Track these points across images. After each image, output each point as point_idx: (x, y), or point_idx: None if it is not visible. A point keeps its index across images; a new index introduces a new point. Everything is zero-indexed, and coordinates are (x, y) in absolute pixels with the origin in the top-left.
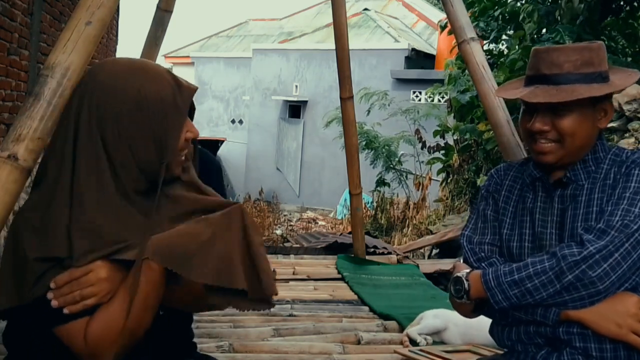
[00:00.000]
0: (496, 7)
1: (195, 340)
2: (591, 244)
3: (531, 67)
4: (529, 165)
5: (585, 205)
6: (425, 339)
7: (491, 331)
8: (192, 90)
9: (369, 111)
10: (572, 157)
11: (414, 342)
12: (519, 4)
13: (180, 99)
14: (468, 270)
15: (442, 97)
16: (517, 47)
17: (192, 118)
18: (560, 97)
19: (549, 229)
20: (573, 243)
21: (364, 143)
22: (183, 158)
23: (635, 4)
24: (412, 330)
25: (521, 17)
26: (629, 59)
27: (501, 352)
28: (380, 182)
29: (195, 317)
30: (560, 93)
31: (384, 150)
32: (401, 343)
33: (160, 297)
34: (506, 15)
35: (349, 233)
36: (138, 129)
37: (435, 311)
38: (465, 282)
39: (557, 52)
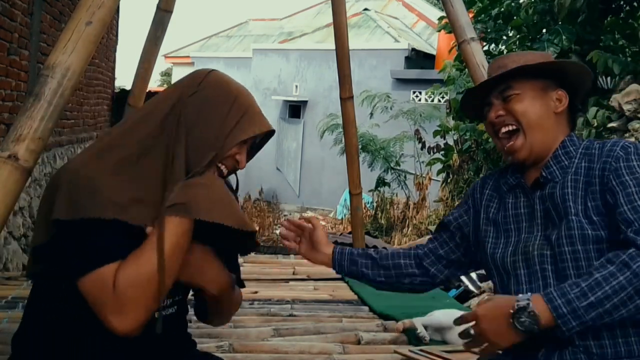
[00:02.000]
0: (494, 7)
1: (195, 340)
2: None
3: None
4: (506, 173)
5: (561, 200)
6: (425, 337)
7: None
8: (266, 127)
9: (371, 114)
10: (540, 146)
11: (411, 332)
12: (513, 4)
13: (260, 123)
14: (527, 298)
15: (442, 97)
16: (514, 45)
17: (253, 154)
18: (497, 76)
19: (535, 232)
20: (634, 251)
21: (360, 146)
22: (224, 171)
23: (635, 3)
24: (417, 319)
25: (521, 14)
26: (629, 59)
27: (500, 351)
28: (381, 182)
29: (195, 317)
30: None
31: (381, 152)
32: (396, 330)
33: (186, 248)
34: (502, 14)
35: (349, 233)
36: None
37: (445, 310)
38: (534, 312)
39: (503, 57)
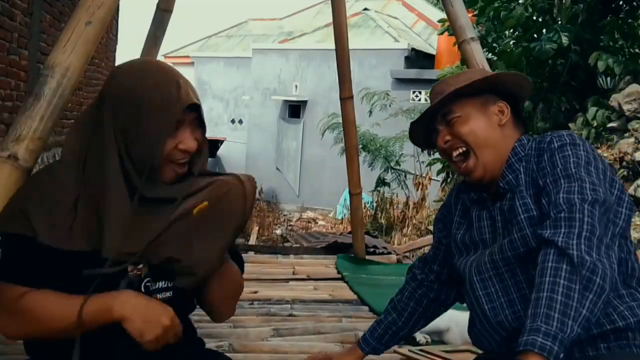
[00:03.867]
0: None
1: (202, 338)
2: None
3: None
4: (469, 188)
5: (516, 206)
6: (425, 337)
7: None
8: (184, 102)
9: (370, 112)
10: (493, 162)
11: (413, 340)
12: (506, 4)
13: (174, 107)
14: None
15: None
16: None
17: (204, 132)
18: (433, 102)
19: (497, 243)
20: (552, 252)
21: (360, 146)
22: (180, 167)
23: (635, 3)
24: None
25: (515, 20)
26: (629, 59)
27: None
28: (380, 182)
29: (195, 317)
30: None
31: (381, 151)
32: None
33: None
34: (495, 12)
35: (349, 233)
36: (137, 125)
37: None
38: None
39: (441, 83)
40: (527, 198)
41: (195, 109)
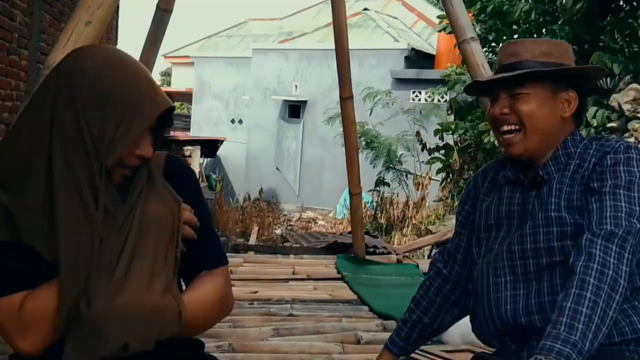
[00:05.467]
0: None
1: (202, 340)
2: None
3: (497, 63)
4: (506, 166)
5: (554, 194)
6: None
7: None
8: (161, 106)
9: (371, 110)
10: (537, 147)
11: None
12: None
13: (148, 109)
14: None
15: (442, 97)
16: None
17: (160, 139)
18: (510, 74)
19: (520, 232)
20: (583, 261)
21: (364, 143)
22: (129, 171)
23: (635, 3)
24: None
25: (517, 14)
26: (628, 59)
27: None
28: (380, 182)
29: None
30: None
31: (384, 150)
32: None
33: None
34: (494, 9)
35: (349, 233)
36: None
37: None
38: None
39: (516, 44)
40: (562, 198)
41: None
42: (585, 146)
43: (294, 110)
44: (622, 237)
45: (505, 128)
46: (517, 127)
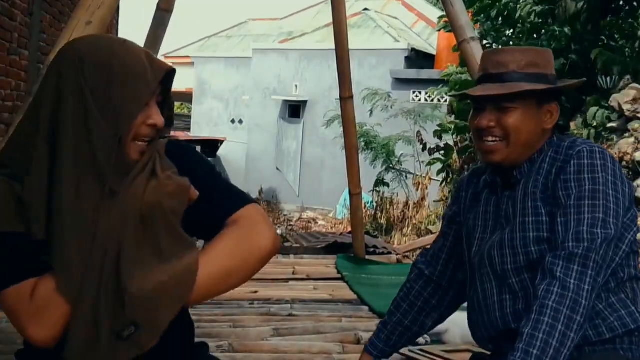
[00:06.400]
0: (493, 7)
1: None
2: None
3: (480, 68)
4: (486, 170)
5: (519, 201)
6: (425, 337)
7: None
8: (164, 68)
9: (371, 112)
10: (518, 156)
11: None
12: (511, 4)
13: (151, 74)
14: None
15: (442, 97)
16: (511, 45)
17: (166, 105)
18: (502, 91)
19: (496, 232)
20: (546, 283)
21: (363, 143)
22: (145, 145)
23: (635, 3)
24: None
25: (517, 15)
26: (628, 59)
27: None
28: (380, 182)
29: (195, 318)
30: (504, 88)
31: (383, 150)
32: None
33: None
34: (499, 12)
35: (349, 233)
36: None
37: None
38: None
39: (503, 52)
40: (538, 201)
41: (167, 80)
42: (556, 150)
43: (294, 110)
44: (583, 255)
45: (490, 139)
46: (500, 139)
